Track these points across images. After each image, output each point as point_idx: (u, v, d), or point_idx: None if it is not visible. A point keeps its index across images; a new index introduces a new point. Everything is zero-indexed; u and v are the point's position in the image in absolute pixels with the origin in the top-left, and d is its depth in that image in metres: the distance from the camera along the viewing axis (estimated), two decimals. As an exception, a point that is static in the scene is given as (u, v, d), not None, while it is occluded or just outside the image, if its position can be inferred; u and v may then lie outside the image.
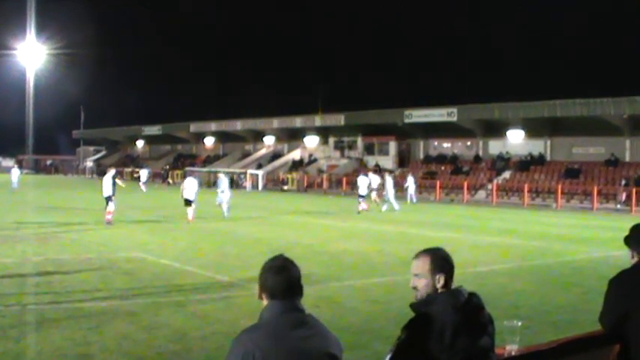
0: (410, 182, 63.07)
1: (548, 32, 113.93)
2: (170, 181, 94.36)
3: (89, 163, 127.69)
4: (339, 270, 21.58)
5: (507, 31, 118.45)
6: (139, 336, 12.85)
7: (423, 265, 5.18)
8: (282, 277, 4.80)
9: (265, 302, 4.81)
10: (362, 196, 45.16)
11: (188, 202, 35.79)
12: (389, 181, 49.25)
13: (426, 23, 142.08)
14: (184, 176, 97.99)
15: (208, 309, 15.41)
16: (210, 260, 23.17)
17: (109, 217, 33.40)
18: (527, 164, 71.08)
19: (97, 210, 37.50)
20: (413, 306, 5.09)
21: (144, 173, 79.86)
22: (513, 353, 5.54)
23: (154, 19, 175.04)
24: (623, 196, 58.18)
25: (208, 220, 37.29)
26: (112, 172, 35.01)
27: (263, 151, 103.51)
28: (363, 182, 46.33)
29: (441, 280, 5.08)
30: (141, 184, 74.88)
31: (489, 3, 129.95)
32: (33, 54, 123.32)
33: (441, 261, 5.17)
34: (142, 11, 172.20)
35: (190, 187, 36.20)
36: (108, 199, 34.06)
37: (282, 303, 4.74)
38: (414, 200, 62.04)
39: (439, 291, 5.09)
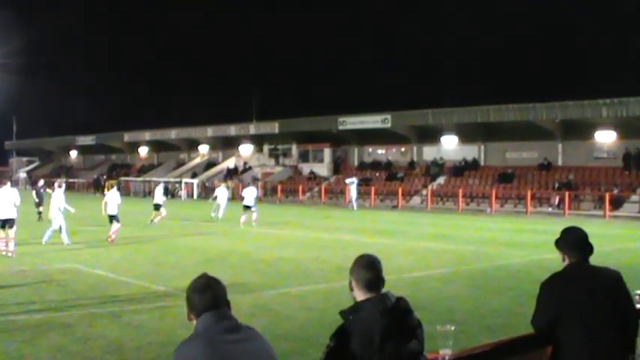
0: (352, 189, 63.29)
1: (479, 37, 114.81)
2: (106, 191, 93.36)
3: (22, 174, 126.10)
4: (275, 278, 21.55)
5: (440, 36, 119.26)
6: (74, 348, 12.73)
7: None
8: (207, 296, 4.90)
9: (195, 322, 4.89)
10: (249, 207, 43.53)
11: (113, 218, 32.00)
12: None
13: (359, 29, 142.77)
14: (118, 187, 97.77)
15: (144, 319, 15.32)
16: (146, 270, 23.02)
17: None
18: (462, 169, 71.58)
19: (30, 222, 37.17)
20: (341, 313, 5.18)
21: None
22: (447, 358, 5.59)
23: (85, 27, 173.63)
24: (557, 200, 58.92)
25: (143, 229, 37.06)
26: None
27: (197, 160, 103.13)
28: (250, 193, 43.81)
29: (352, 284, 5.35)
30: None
31: (422, 8, 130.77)
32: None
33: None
34: (72, 20, 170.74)
35: (113, 200, 32.61)
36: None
37: (212, 313, 4.82)
38: (355, 207, 61.99)
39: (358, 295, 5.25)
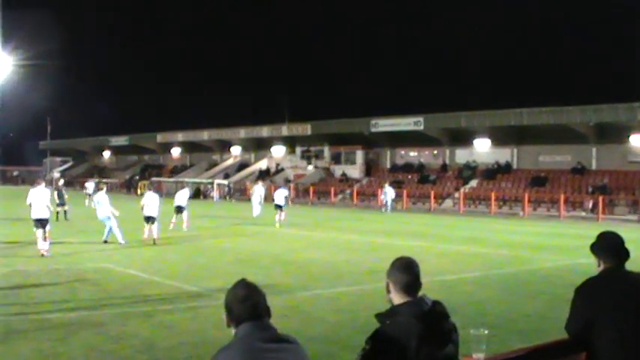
0: (389, 191, 62.77)
1: (514, 41, 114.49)
2: (139, 191, 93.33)
3: (56, 174, 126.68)
4: (307, 279, 21.55)
5: (474, 39, 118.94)
6: (106, 347, 12.77)
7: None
8: (247, 306, 4.85)
9: (233, 330, 4.86)
10: (280, 207, 44.86)
11: (150, 220, 31.62)
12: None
13: (392, 32, 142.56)
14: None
15: (176, 319, 15.34)
16: (178, 270, 23.07)
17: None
18: (494, 173, 71.39)
19: (63, 221, 37.41)
20: (378, 317, 5.14)
21: (90, 186, 70.70)
22: (480, 361, 5.56)
23: (121, 29, 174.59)
24: (590, 204, 58.56)
25: (175, 230, 37.13)
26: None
27: (230, 161, 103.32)
28: (280, 194, 46.28)
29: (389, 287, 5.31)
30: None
31: (456, 12, 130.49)
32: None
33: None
34: (108, 22, 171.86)
35: (152, 202, 32.13)
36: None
37: (252, 323, 4.78)
38: (389, 210, 61.57)
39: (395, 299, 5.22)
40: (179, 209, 39.16)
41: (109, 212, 30.93)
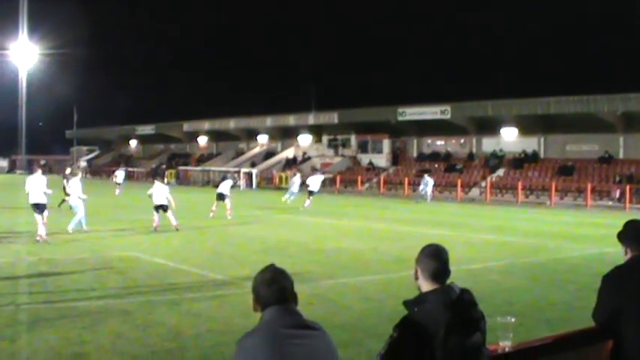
0: (429, 181, 61.13)
1: (541, 29, 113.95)
2: (166, 180, 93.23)
3: (83, 163, 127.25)
4: (333, 268, 21.59)
5: (500, 28, 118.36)
6: (133, 335, 12.85)
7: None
8: (273, 289, 4.87)
9: (260, 314, 4.89)
10: (312, 193, 48.03)
11: (160, 208, 31.90)
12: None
13: (419, 20, 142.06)
14: (177, 176, 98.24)
15: (202, 307, 15.40)
16: (204, 259, 23.16)
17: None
18: (521, 162, 71.10)
19: (89, 209, 37.53)
20: (406, 303, 5.13)
21: (120, 174, 69.89)
22: (507, 350, 5.55)
23: (146, 18, 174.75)
24: (617, 193, 58.29)
25: (202, 219, 37.25)
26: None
27: (256, 150, 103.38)
28: (316, 180, 50.57)
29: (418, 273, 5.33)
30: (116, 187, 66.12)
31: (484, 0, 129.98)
32: (25, 54, 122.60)
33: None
34: (134, 10, 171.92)
35: (159, 192, 32.22)
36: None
37: (278, 307, 4.81)
38: (428, 200, 60.08)
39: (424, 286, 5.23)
40: (220, 196, 39.93)
41: (79, 199, 30.83)
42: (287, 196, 51.46)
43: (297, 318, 4.84)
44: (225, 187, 40.38)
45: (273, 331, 4.67)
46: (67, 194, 42.60)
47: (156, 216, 31.49)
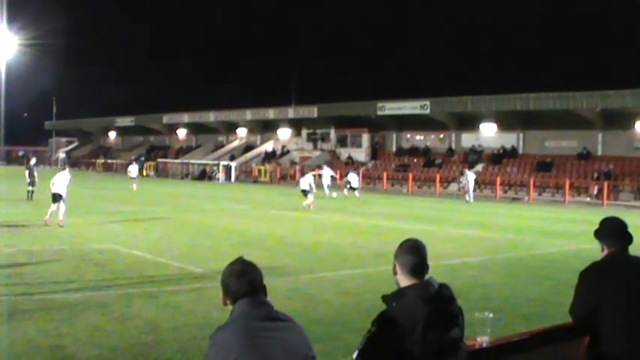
0: (470, 179, 56.49)
1: (519, 25, 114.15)
2: (144, 172, 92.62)
3: (61, 154, 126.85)
4: (312, 262, 21.57)
5: (480, 23, 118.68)
6: (111, 327, 12.82)
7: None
8: (243, 282, 4.88)
9: (230, 307, 4.89)
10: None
11: (57, 198, 29.98)
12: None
13: (399, 15, 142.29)
14: (156, 168, 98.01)
15: (180, 300, 15.40)
16: (183, 252, 23.10)
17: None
18: (500, 157, 71.34)
19: (68, 200, 37.41)
20: (384, 298, 5.14)
21: (134, 169, 63.54)
22: (484, 345, 5.58)
23: (126, 9, 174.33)
24: (595, 190, 58.54)
25: (181, 212, 37.21)
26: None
27: (236, 143, 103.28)
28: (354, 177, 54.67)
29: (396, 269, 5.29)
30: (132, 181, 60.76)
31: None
32: (4, 45, 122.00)
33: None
34: (114, 1, 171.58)
35: (60, 181, 30.54)
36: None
37: (249, 299, 4.82)
38: (472, 200, 55.14)
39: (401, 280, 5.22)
40: (304, 192, 43.11)
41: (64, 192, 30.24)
42: (327, 193, 53.64)
43: (268, 309, 4.85)
44: (305, 182, 43.69)
45: (245, 324, 4.68)
46: (29, 184, 42.53)
47: (54, 206, 29.91)
